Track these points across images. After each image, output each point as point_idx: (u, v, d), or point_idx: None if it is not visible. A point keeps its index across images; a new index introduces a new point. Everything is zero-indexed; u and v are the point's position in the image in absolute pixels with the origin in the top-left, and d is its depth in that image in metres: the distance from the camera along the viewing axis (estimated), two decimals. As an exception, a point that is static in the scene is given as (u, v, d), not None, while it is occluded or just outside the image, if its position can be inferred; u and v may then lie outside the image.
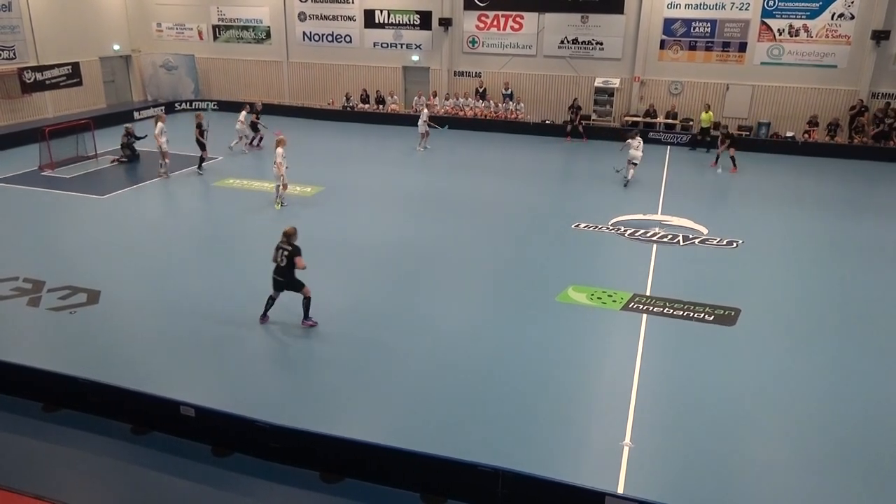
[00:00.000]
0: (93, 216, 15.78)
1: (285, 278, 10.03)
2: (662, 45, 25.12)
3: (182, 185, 18.27)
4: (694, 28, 24.59)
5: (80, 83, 26.62)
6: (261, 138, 22.23)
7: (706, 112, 23.17)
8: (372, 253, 13.51)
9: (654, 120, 25.21)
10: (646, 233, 14.73)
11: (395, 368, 9.26)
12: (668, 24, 24.80)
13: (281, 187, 16.18)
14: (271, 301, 10.31)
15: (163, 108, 28.21)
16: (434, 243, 14.22)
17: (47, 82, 25.31)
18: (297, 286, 10.10)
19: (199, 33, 30.54)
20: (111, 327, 10.35)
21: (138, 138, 20.46)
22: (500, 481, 6.56)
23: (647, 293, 11.67)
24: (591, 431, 8.06)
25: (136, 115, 27.15)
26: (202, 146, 19.10)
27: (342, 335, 10.20)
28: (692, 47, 24.83)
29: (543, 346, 9.92)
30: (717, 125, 23.40)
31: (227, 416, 7.47)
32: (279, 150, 15.81)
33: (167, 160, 18.73)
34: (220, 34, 30.37)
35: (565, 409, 8.39)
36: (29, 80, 24.49)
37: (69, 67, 26.06)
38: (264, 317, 10.42)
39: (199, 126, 18.97)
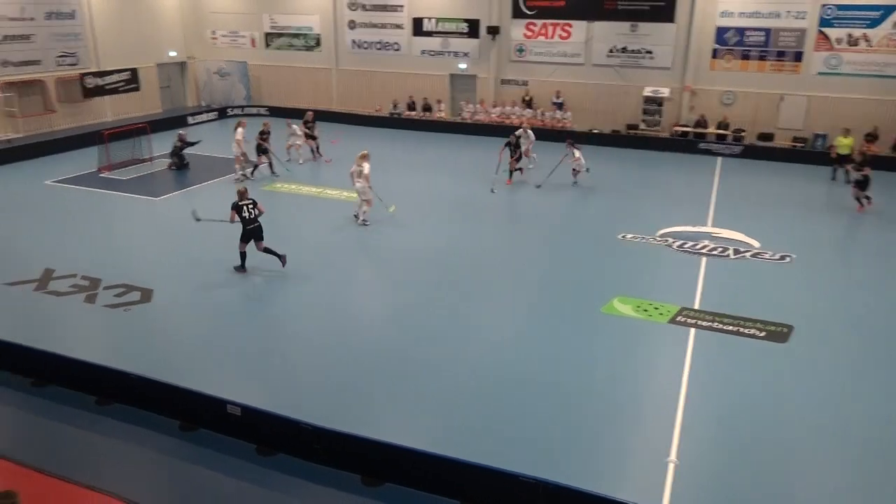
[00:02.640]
0: (147, 217, 16.27)
1: (257, 224, 12.28)
2: (714, 53, 24.64)
3: (231, 189, 18.65)
4: (747, 37, 24.07)
5: (137, 88, 27.49)
6: (317, 147, 21.87)
7: (845, 136, 20.31)
8: (417, 259, 13.57)
9: (704, 130, 24.74)
10: (695, 245, 14.44)
11: (438, 375, 9.27)
12: (721, 32, 24.34)
13: (365, 203, 15.38)
14: (244, 256, 12.46)
15: (214, 114, 28.90)
16: (479, 251, 14.21)
17: (107, 87, 26.21)
18: (262, 234, 12.42)
19: (252, 41, 31.24)
20: (163, 325, 10.64)
21: (191, 144, 20.69)
22: (540, 492, 6.50)
23: (696, 307, 11.44)
24: (635, 446, 7.93)
25: (189, 119, 27.91)
26: (264, 152, 19.36)
27: (386, 340, 10.28)
28: (745, 56, 24.30)
29: (588, 357, 9.81)
30: (863, 158, 17.43)
31: (272, 416, 7.58)
32: (367, 164, 15.13)
33: (238, 164, 19.11)
34: (271, 42, 31.01)
35: (609, 423, 8.27)
36: (90, 85, 25.39)
37: (128, 73, 26.93)
38: (243, 269, 12.51)
39: (262, 133, 19.31)
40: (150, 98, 28.87)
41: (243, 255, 12.52)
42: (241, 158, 19.11)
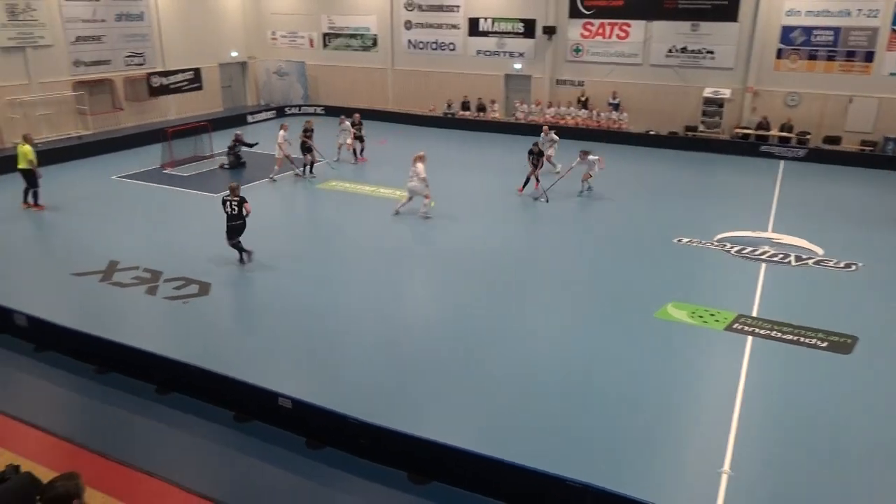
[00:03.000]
0: (207, 212, 16.71)
1: (241, 222, 12.57)
2: (779, 54, 23.85)
3: (288, 187, 19.06)
4: (815, 36, 23.21)
5: (200, 87, 28.31)
6: (362, 149, 21.75)
7: None
8: (469, 259, 13.58)
9: (767, 133, 23.99)
10: (754, 251, 14.02)
11: (488, 375, 9.25)
12: (787, 32, 23.54)
13: (424, 198, 15.85)
14: (236, 248, 12.84)
15: (273, 113, 29.56)
16: (533, 252, 14.13)
17: (171, 86, 27.08)
18: (243, 231, 12.72)
19: (310, 41, 31.80)
20: (219, 318, 10.94)
21: (248, 145, 21.02)
22: (588, 498, 6.41)
23: (754, 314, 11.10)
24: (687, 455, 7.75)
25: (248, 118, 28.59)
26: (308, 150, 19.61)
27: (436, 339, 10.32)
28: (812, 56, 23.44)
29: (640, 362, 9.63)
30: None
31: (322, 410, 7.68)
32: (421, 165, 15.59)
33: (278, 166, 19.29)
34: (329, 42, 31.50)
35: (661, 430, 8.10)
36: (156, 84, 26.29)
37: (191, 73, 27.77)
38: (241, 260, 12.92)
39: (306, 131, 19.61)
40: (212, 97, 29.70)
41: (236, 249, 12.88)
42: (285, 160, 19.22)
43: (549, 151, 19.98)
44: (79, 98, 24.01)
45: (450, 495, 6.98)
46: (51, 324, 9.68)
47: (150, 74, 26.12)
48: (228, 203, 12.52)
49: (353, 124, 21.58)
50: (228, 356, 9.46)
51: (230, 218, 12.56)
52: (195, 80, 27.92)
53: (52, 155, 20.91)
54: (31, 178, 16.13)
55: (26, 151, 15.90)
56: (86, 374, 9.16)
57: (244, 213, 12.56)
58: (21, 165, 15.97)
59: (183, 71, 27.42)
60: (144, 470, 7.07)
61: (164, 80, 26.68)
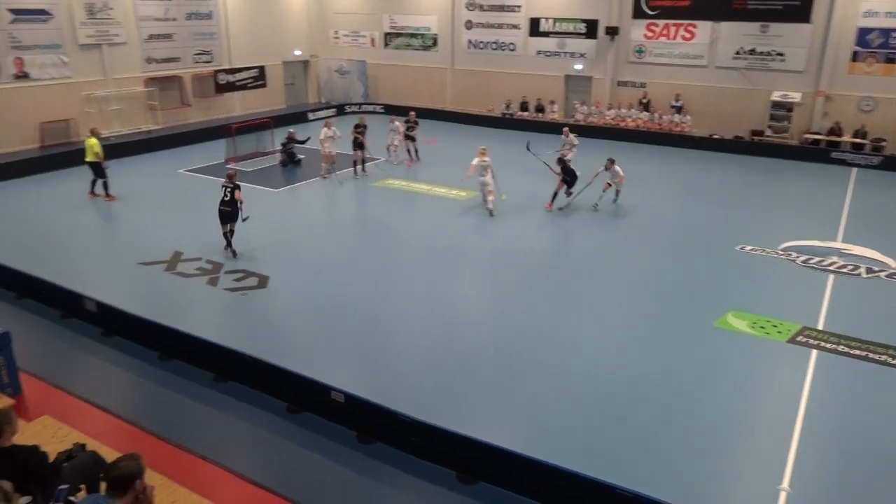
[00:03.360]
0: (267, 207, 17.11)
1: (230, 208, 12.93)
2: (854, 56, 22.85)
3: (347, 184, 19.30)
4: (894, 38, 22.16)
5: (264, 85, 28.98)
6: (416, 150, 21.64)
7: None
8: (522, 261, 13.50)
9: (838, 139, 23.03)
10: (821, 261, 13.48)
11: (540, 378, 9.17)
12: (863, 34, 22.54)
13: (487, 194, 16.10)
14: (225, 235, 13.22)
15: (333, 111, 30.07)
16: (592, 255, 13.95)
17: (237, 84, 27.81)
18: (234, 217, 13.02)
19: (372, 40, 32.18)
20: (276, 311, 11.17)
21: (300, 142, 21.31)
22: (639, 507, 6.28)
23: (819, 327, 10.67)
24: (744, 470, 7.51)
25: (309, 115, 29.13)
26: (360, 147, 19.61)
27: (489, 341, 10.29)
28: (890, 60, 22.35)
29: (697, 372, 9.38)
30: None
31: (373, 405, 7.74)
32: (487, 158, 16.02)
33: (328, 164, 19.49)
34: (390, 41, 31.81)
35: (717, 442, 7.87)
36: (222, 81, 27.04)
37: (256, 70, 28.45)
38: (227, 248, 13.27)
39: (357, 127, 19.74)
40: (275, 94, 30.36)
41: (225, 235, 13.28)
42: (331, 157, 19.36)
43: (568, 155, 19.44)
44: (149, 94, 24.92)
45: (497, 497, 6.95)
46: (118, 310, 10.07)
47: (216, 72, 26.88)
48: (224, 189, 13.04)
49: (406, 122, 21.46)
50: (283, 348, 9.65)
51: (221, 202, 13.02)
52: (259, 77, 28.60)
53: (123, 148, 21.81)
54: (98, 170, 16.82)
55: (93, 144, 16.58)
56: (149, 360, 9.50)
57: (236, 200, 12.91)
58: (88, 158, 16.70)
59: (248, 69, 28.11)
60: (200, 455, 7.29)
61: (230, 78, 27.42)
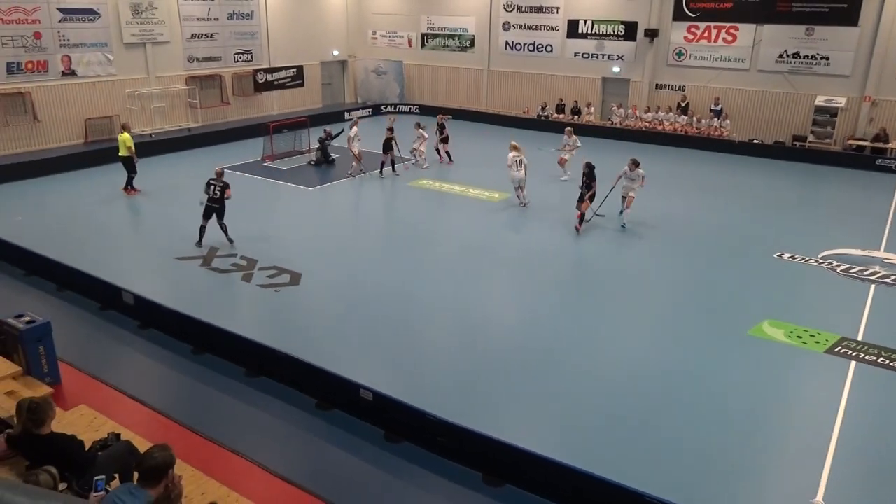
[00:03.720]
0: (302, 205, 17.34)
1: (219, 205, 13.35)
2: (903, 61, 22.22)
3: (381, 184, 19.44)
4: (945, 43, 21.48)
5: (301, 84, 29.30)
6: (448, 153, 21.51)
7: None
8: (553, 263, 13.42)
9: (884, 145, 22.40)
10: (863, 271, 13.12)
11: (570, 382, 9.10)
12: (913, 38, 21.89)
13: (520, 189, 16.69)
14: (203, 230, 13.58)
15: (368, 111, 30.27)
16: (620, 258, 13.79)
17: (275, 83, 28.18)
18: (222, 213, 13.50)
19: (409, 41, 32.31)
20: (308, 308, 11.29)
21: (335, 136, 21.41)
22: (668, 517, 6.19)
23: (859, 338, 10.38)
24: (777, 482, 7.33)
25: (345, 115, 29.35)
26: (390, 149, 19.61)
27: (518, 342, 10.25)
28: (941, 65, 21.70)
29: (730, 381, 9.21)
30: None
31: (402, 405, 7.77)
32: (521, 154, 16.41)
33: (356, 163, 19.57)
34: (427, 42, 31.90)
35: (749, 453, 7.71)
36: (261, 80, 27.43)
37: (294, 70, 28.78)
38: (199, 244, 13.59)
39: (391, 128, 19.87)
40: (313, 94, 30.69)
41: (202, 230, 13.65)
42: (359, 156, 19.41)
43: (566, 156, 19.45)
44: (190, 92, 25.40)
45: (523, 500, 6.91)
46: (154, 303, 10.29)
47: (256, 71, 27.27)
48: (213, 187, 13.34)
49: (438, 125, 21.41)
50: (314, 345, 9.75)
51: (211, 199, 13.38)
52: (297, 77, 28.92)
53: (163, 145, 22.29)
54: (130, 164, 17.26)
55: (126, 139, 17.02)
56: (183, 353, 9.67)
57: (225, 197, 13.39)
58: (122, 153, 17.13)
59: (287, 68, 28.46)
60: (230, 448, 7.40)
61: (269, 77, 27.79)
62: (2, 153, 20.24)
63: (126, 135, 17.09)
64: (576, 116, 27.82)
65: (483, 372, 9.36)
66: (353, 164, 19.68)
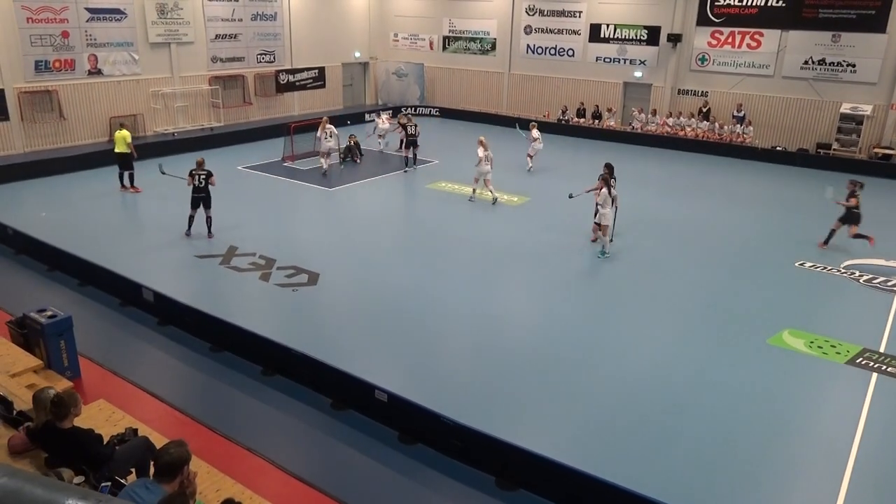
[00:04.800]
0: (321, 205, 17.44)
1: (204, 194, 13.73)
2: (932, 69, 21.85)
3: (399, 185, 19.50)
4: (976, 51, 21.09)
5: (323, 85, 29.47)
6: (411, 157, 21.29)
7: None
8: (572, 267, 13.36)
9: (911, 154, 22.05)
10: (886, 281, 12.92)
11: (584, 389, 9.06)
12: (942, 45, 21.52)
13: (485, 183, 17.38)
14: (191, 219, 14.03)
15: (390, 113, 30.36)
16: (640, 265, 13.67)
17: (297, 84, 28.37)
18: (209, 202, 13.86)
19: (430, 43, 32.37)
20: (325, 308, 11.35)
21: (360, 150, 22.04)
22: (682, 526, 6.13)
23: (881, 349, 10.22)
24: (795, 494, 7.24)
25: (366, 117, 29.49)
26: (409, 145, 20.59)
27: (535, 347, 10.21)
28: (971, 73, 21.31)
29: (748, 390, 9.10)
30: None
31: (416, 406, 7.78)
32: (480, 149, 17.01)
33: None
34: (448, 45, 31.94)
35: (767, 464, 7.62)
36: (283, 81, 27.63)
37: (316, 71, 28.96)
38: (188, 233, 14.05)
39: (403, 127, 20.20)
40: (334, 95, 30.85)
41: (191, 219, 14.10)
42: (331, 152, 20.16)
43: (531, 152, 20.50)
44: (213, 92, 25.64)
45: (536, 505, 6.89)
46: (173, 301, 10.40)
47: (278, 72, 27.47)
48: (198, 176, 13.69)
49: (400, 124, 21.69)
50: (330, 345, 9.79)
51: (196, 189, 13.77)
52: (319, 78, 29.08)
53: (186, 144, 22.51)
54: (128, 161, 17.58)
55: (125, 135, 17.36)
56: (201, 351, 9.76)
57: (210, 185, 13.79)
58: (121, 150, 17.38)
59: (309, 69, 28.63)
60: (245, 445, 7.46)
61: (291, 78, 27.97)
62: (28, 150, 20.59)
63: (125, 131, 17.48)
64: (596, 121, 27.69)
65: (499, 375, 9.34)
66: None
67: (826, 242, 14.74)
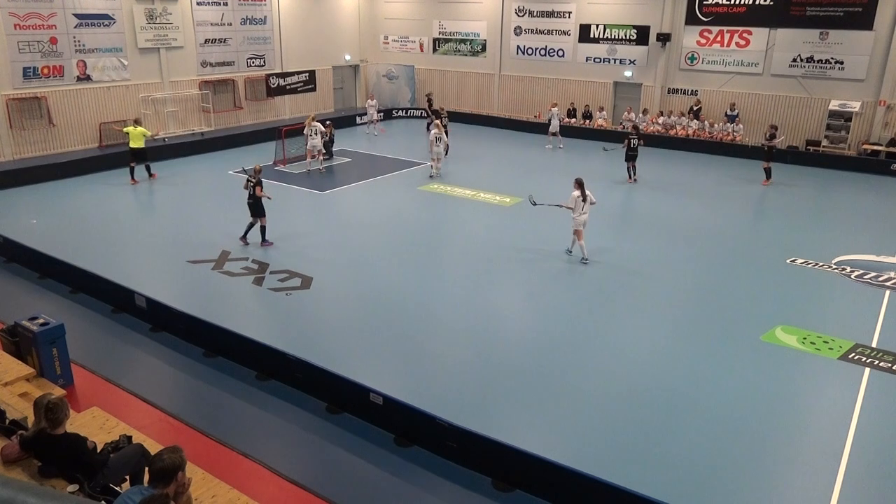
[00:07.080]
0: (313, 208, 17.40)
1: (251, 201, 13.90)
2: (919, 65, 22.00)
3: (391, 188, 19.48)
4: (962, 47, 21.25)
5: (314, 89, 29.42)
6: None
7: None
8: (564, 268, 13.37)
9: (899, 150, 22.19)
10: (877, 276, 13.00)
11: (580, 389, 9.07)
12: (929, 42, 21.67)
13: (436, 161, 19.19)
14: (250, 226, 14.17)
15: (381, 115, 30.36)
16: (632, 264, 13.71)
17: (288, 87, 28.30)
18: (260, 211, 14.00)
19: (421, 45, 32.38)
20: (319, 312, 11.32)
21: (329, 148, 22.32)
22: (678, 524, 6.14)
23: (873, 345, 10.29)
24: (790, 490, 7.27)
25: (357, 119, 29.47)
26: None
27: (530, 348, 10.22)
28: (957, 69, 21.47)
29: (741, 387, 9.14)
30: None
31: (411, 409, 7.78)
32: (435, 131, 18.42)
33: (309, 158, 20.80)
34: (438, 47, 31.97)
35: (762, 461, 7.65)
36: (273, 85, 27.56)
37: (306, 74, 28.91)
38: (244, 238, 14.20)
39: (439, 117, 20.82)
40: (325, 98, 30.82)
41: (249, 226, 14.22)
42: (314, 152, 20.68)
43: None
44: (203, 96, 25.58)
45: (533, 506, 6.89)
46: (166, 306, 10.36)
47: (268, 75, 27.41)
48: (249, 183, 13.98)
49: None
50: (325, 349, 9.77)
51: (249, 196, 13.99)
52: (310, 81, 29.04)
53: (177, 149, 22.46)
54: (143, 155, 18.78)
55: (143, 131, 18.56)
56: (194, 356, 9.73)
57: (257, 195, 13.90)
58: (138, 145, 18.49)
59: (299, 73, 28.58)
60: (240, 451, 7.44)
61: (282, 81, 27.92)
62: (18, 157, 20.46)
63: (142, 127, 18.58)
64: (587, 121, 27.76)
65: (493, 376, 9.34)
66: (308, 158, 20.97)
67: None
